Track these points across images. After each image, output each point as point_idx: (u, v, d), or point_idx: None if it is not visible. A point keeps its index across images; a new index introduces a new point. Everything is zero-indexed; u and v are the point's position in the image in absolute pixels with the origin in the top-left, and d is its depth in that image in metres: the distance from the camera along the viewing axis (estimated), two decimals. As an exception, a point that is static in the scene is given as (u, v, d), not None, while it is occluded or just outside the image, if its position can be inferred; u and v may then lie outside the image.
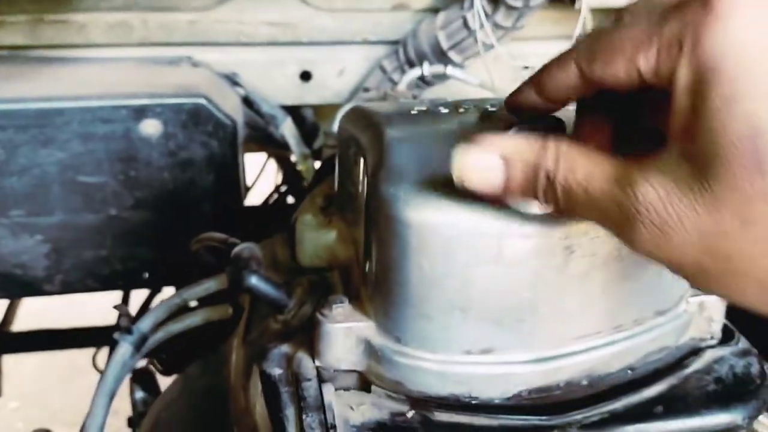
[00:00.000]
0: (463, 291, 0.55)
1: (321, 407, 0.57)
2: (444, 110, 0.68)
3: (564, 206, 0.46)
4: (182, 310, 0.99)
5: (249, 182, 1.51)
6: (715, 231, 0.38)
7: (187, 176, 1.05)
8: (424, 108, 0.68)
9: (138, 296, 1.29)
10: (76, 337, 1.62)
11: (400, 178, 0.56)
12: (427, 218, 0.54)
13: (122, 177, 1.05)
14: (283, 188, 1.37)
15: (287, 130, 1.17)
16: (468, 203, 0.54)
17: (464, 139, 0.50)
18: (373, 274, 0.59)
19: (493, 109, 0.68)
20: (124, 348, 0.86)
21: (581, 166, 0.44)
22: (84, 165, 1.03)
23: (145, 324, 0.88)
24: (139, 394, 1.01)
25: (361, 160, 0.63)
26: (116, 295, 1.42)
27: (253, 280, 0.66)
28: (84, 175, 1.04)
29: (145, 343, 0.89)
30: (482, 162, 0.48)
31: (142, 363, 1.08)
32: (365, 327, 0.59)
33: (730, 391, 0.62)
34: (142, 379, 1.02)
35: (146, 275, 1.12)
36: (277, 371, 0.61)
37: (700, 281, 0.42)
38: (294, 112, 1.25)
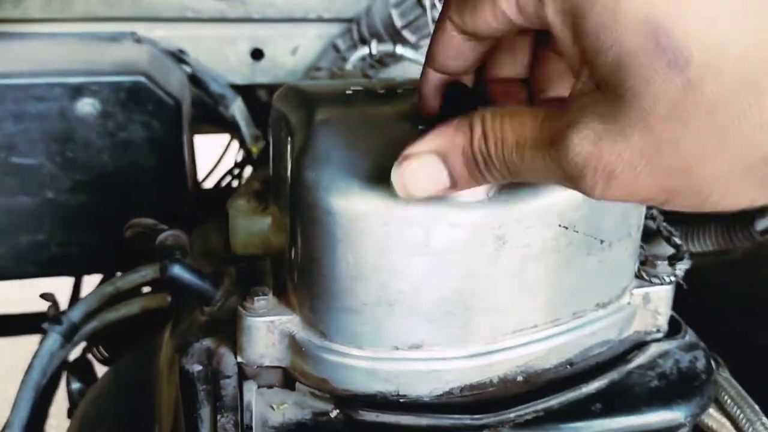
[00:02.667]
0: (391, 283, 0.52)
1: (238, 407, 0.53)
2: (381, 91, 0.64)
3: (513, 177, 0.43)
4: (122, 298, 0.95)
5: (211, 164, 1.47)
6: (659, 147, 0.35)
7: (127, 158, 1.01)
8: (360, 88, 0.65)
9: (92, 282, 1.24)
10: (21, 324, 1.56)
11: (325, 162, 0.52)
12: (351, 206, 0.50)
13: (59, 158, 1.00)
14: (237, 171, 1.33)
15: (237, 110, 1.13)
16: (394, 191, 0.50)
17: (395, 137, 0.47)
18: (297, 265, 0.55)
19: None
20: (52, 338, 0.82)
21: (509, 136, 0.41)
22: (18, 145, 0.98)
23: (75, 313, 0.84)
24: (76, 385, 0.97)
25: (290, 142, 0.59)
26: (70, 281, 1.38)
27: (176, 270, 0.62)
28: (18, 157, 0.99)
29: (77, 333, 0.85)
30: (421, 167, 0.45)
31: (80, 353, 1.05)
32: (289, 321, 0.56)
33: (673, 388, 0.59)
34: (79, 369, 0.98)
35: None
36: (196, 368, 0.57)
37: (678, 205, 0.38)
38: (247, 92, 1.21)
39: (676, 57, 0.33)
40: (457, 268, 0.51)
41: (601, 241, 0.56)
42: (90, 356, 1.04)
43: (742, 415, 0.69)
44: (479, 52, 0.46)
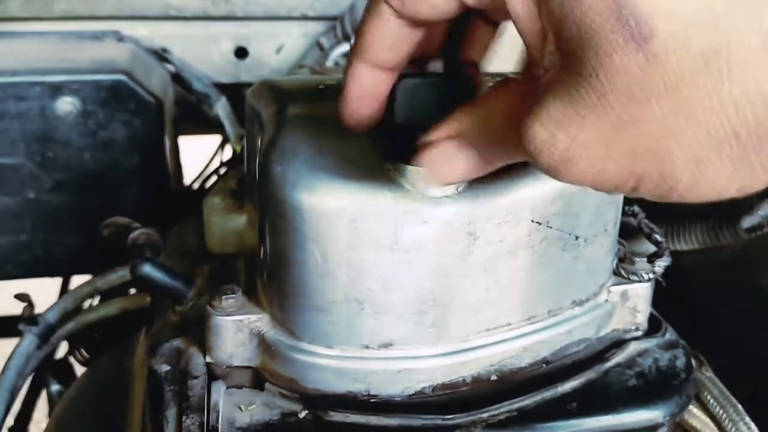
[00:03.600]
0: (359, 281, 0.51)
1: (205, 407, 0.52)
2: (355, 86, 0.63)
3: (512, 159, 0.41)
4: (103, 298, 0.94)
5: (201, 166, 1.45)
6: (619, 129, 0.33)
7: (108, 157, 0.99)
8: (333, 83, 0.64)
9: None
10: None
11: (292, 157, 0.51)
12: (318, 202, 0.49)
13: (39, 158, 0.99)
14: (223, 171, 1.31)
15: (221, 109, 1.12)
16: (363, 186, 0.49)
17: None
18: (266, 263, 0.54)
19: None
20: (28, 340, 0.80)
21: (500, 116, 0.39)
22: (-3, 145, 0.97)
23: (51, 314, 0.83)
24: (55, 387, 0.96)
25: (260, 138, 0.58)
26: (55, 284, 1.36)
27: (146, 269, 0.61)
28: (-2, 156, 0.98)
29: (54, 334, 0.84)
30: (440, 155, 0.43)
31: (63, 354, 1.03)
32: (258, 320, 0.55)
33: (651, 387, 0.58)
34: (58, 371, 0.97)
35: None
36: (164, 368, 0.56)
37: (648, 192, 0.35)
38: (232, 91, 1.20)
39: (639, 29, 0.30)
40: (427, 265, 0.50)
41: (576, 237, 0.55)
42: (71, 358, 1.03)
43: (725, 415, 0.68)
44: (416, 42, 0.43)
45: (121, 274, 0.87)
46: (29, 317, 0.80)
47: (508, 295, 0.54)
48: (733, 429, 0.67)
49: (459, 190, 0.49)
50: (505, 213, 0.51)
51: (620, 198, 0.58)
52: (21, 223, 1.02)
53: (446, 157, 0.42)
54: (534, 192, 0.52)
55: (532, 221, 0.52)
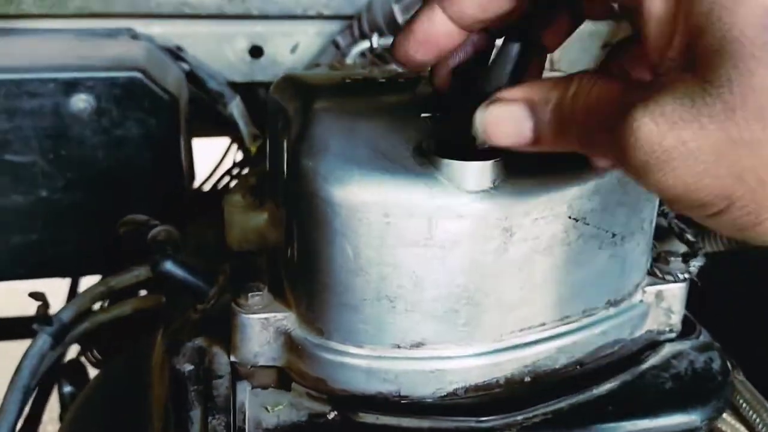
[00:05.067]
0: (391, 278, 0.49)
1: (230, 408, 0.50)
2: (381, 80, 0.61)
3: (583, 147, 0.40)
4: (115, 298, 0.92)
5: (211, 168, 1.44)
6: (736, 146, 0.31)
7: (122, 156, 0.98)
8: (359, 77, 0.62)
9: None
10: (11, 328, 1.53)
11: (323, 150, 0.50)
12: (350, 196, 0.48)
13: (52, 156, 0.97)
14: (236, 171, 1.30)
15: (236, 108, 1.10)
16: (397, 179, 0.48)
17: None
18: (293, 260, 0.53)
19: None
20: (42, 339, 0.79)
21: (594, 101, 0.38)
22: (10, 143, 0.95)
23: (65, 313, 0.81)
24: (68, 389, 0.94)
25: (286, 133, 0.56)
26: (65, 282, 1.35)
27: (167, 265, 0.59)
28: (10, 154, 0.96)
29: (68, 334, 0.82)
30: (508, 114, 0.42)
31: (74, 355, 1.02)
32: (285, 318, 0.53)
33: (688, 390, 0.57)
34: (70, 372, 0.95)
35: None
36: (187, 367, 0.55)
37: (728, 220, 0.34)
38: (246, 90, 1.18)
39: None
40: (461, 261, 0.49)
41: (613, 235, 0.53)
42: (83, 359, 1.01)
43: (759, 420, 0.66)
44: (502, 11, 0.42)
45: (136, 273, 0.85)
46: (43, 316, 0.79)
47: (543, 294, 0.52)
48: (768, 434, 0.66)
49: (495, 184, 0.48)
50: (543, 208, 0.49)
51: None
52: (33, 223, 1.01)
53: (514, 118, 0.41)
54: (572, 187, 0.50)
55: (569, 217, 0.50)
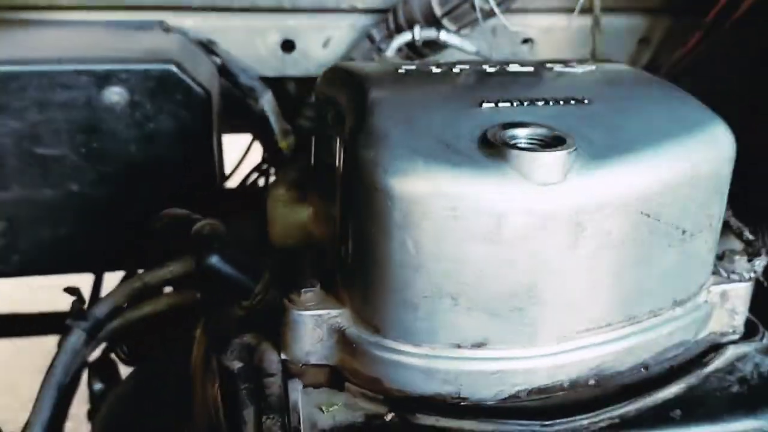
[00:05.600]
0: (454, 274, 0.47)
1: (284, 408, 0.48)
2: (436, 70, 0.59)
3: None
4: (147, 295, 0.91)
5: (233, 164, 1.42)
6: None
7: (155, 149, 0.96)
8: (413, 67, 0.60)
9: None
10: (46, 323, 1.53)
11: (382, 142, 0.48)
12: (412, 188, 0.46)
13: (84, 149, 0.96)
14: (264, 167, 1.28)
15: (267, 103, 1.08)
16: (463, 171, 0.46)
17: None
18: (349, 255, 0.51)
19: (492, 69, 0.60)
20: (77, 335, 0.77)
21: None
22: (42, 135, 0.94)
23: (100, 309, 0.79)
24: (98, 386, 0.92)
25: (339, 125, 0.54)
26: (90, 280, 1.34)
27: (214, 260, 0.58)
28: (42, 147, 0.95)
29: (102, 330, 0.81)
30: None
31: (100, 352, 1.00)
32: (339, 315, 0.51)
33: (756, 393, 0.54)
34: (101, 369, 0.94)
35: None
36: (236, 365, 0.53)
37: None
38: (276, 85, 1.16)
39: None
40: (529, 258, 0.47)
41: (683, 231, 0.51)
42: (113, 356, 1.00)
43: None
44: None
45: (171, 269, 0.84)
46: (78, 312, 0.77)
47: (610, 293, 0.50)
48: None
49: (566, 176, 0.46)
50: (614, 203, 0.47)
51: (726, 191, 0.54)
52: (63, 217, 0.99)
53: None
54: (644, 180, 0.48)
55: (641, 213, 0.48)
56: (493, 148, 0.46)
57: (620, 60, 1.24)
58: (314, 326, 0.51)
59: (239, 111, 1.13)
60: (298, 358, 0.52)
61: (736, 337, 0.59)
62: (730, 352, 0.57)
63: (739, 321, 0.59)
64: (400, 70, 0.59)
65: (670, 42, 1.21)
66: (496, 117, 0.50)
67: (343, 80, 0.57)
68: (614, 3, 1.18)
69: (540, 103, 0.52)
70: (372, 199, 0.47)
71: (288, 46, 1.14)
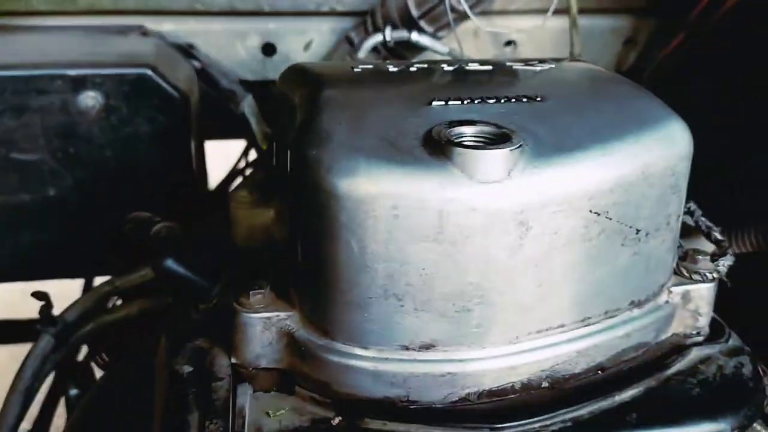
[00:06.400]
0: (399, 275, 0.46)
1: (229, 411, 0.48)
2: (392, 69, 0.59)
3: None
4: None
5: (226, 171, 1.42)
6: None
7: (132, 154, 0.96)
8: (369, 66, 0.60)
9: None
10: (15, 331, 1.51)
11: (326, 140, 0.47)
12: (354, 188, 0.45)
13: (61, 154, 0.95)
14: (249, 172, 1.28)
15: (248, 107, 1.08)
16: (405, 170, 0.45)
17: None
18: (297, 256, 0.50)
19: (449, 68, 0.59)
20: (45, 340, 0.77)
21: None
22: (18, 140, 0.94)
23: (70, 314, 0.79)
24: (74, 392, 0.92)
25: (292, 123, 0.54)
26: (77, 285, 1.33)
27: (169, 263, 0.57)
28: (18, 152, 0.95)
29: (73, 335, 0.80)
30: None
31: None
32: (288, 317, 0.50)
33: (717, 397, 0.53)
34: (76, 375, 0.93)
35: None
36: (186, 369, 0.52)
37: None
38: (259, 89, 1.16)
39: None
40: (474, 257, 0.46)
41: (637, 231, 0.50)
42: (92, 363, 1.00)
43: (791, 430, 0.63)
44: None
45: (142, 273, 0.83)
46: (47, 317, 0.77)
47: (561, 293, 0.49)
48: (802, 445, 0.62)
49: (510, 173, 0.45)
50: (561, 201, 0.46)
51: (683, 189, 0.53)
52: (41, 222, 0.99)
53: None
54: (592, 178, 0.47)
55: (590, 211, 0.47)
56: (437, 146, 0.45)
57: (605, 61, 1.23)
58: (263, 329, 0.50)
59: (220, 115, 1.12)
60: (248, 362, 0.51)
61: (700, 338, 0.58)
62: (693, 354, 0.56)
63: (703, 322, 0.57)
64: (355, 69, 0.58)
65: (656, 43, 1.21)
66: (444, 115, 0.49)
67: (298, 79, 0.57)
68: (599, 4, 1.17)
69: (491, 101, 0.51)
70: (316, 199, 0.46)
71: (269, 49, 1.13)
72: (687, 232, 0.68)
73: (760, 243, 0.83)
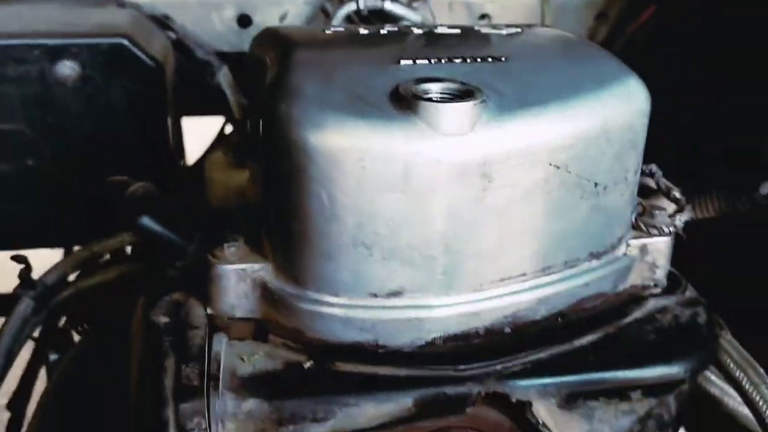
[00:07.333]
0: (367, 224, 0.48)
1: (205, 357, 0.50)
2: (363, 32, 0.60)
3: None
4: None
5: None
6: None
7: (108, 123, 0.97)
8: (341, 29, 0.61)
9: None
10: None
11: (296, 95, 0.49)
12: (323, 140, 0.47)
13: (39, 124, 0.96)
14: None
15: (223, 78, 1.09)
16: (372, 123, 0.47)
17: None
18: (270, 209, 0.52)
19: (419, 31, 0.61)
20: (25, 303, 0.78)
21: None
22: (-4, 110, 0.94)
23: (49, 277, 0.80)
24: (54, 357, 0.93)
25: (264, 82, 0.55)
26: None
27: (145, 221, 0.59)
28: (-3, 121, 0.95)
29: (52, 299, 0.82)
30: None
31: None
32: (262, 269, 0.52)
33: (672, 342, 0.56)
34: (57, 341, 0.95)
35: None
36: (162, 320, 0.54)
37: None
38: (235, 60, 1.17)
39: None
40: (438, 207, 0.48)
41: (596, 184, 0.52)
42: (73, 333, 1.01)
43: (746, 379, 0.66)
44: None
45: (120, 238, 0.85)
46: (26, 280, 0.78)
47: (523, 243, 0.51)
48: (755, 393, 0.65)
49: (474, 127, 0.47)
50: (523, 154, 0.48)
51: (641, 144, 0.55)
52: (20, 192, 1.00)
53: None
54: (552, 133, 0.49)
55: (550, 164, 0.49)
56: (404, 100, 0.47)
57: (576, 35, 1.25)
58: (238, 280, 0.52)
59: (196, 87, 1.13)
60: (224, 312, 0.53)
61: (658, 290, 0.60)
62: (651, 304, 0.59)
63: (661, 275, 0.60)
64: (327, 32, 0.60)
65: (627, 18, 1.23)
66: (412, 73, 0.51)
67: (271, 42, 0.58)
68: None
69: (458, 61, 0.53)
70: (286, 152, 0.48)
71: (244, 20, 1.14)
72: (648, 193, 0.70)
73: (722, 208, 0.85)
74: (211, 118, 1.44)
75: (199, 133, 1.44)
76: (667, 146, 0.70)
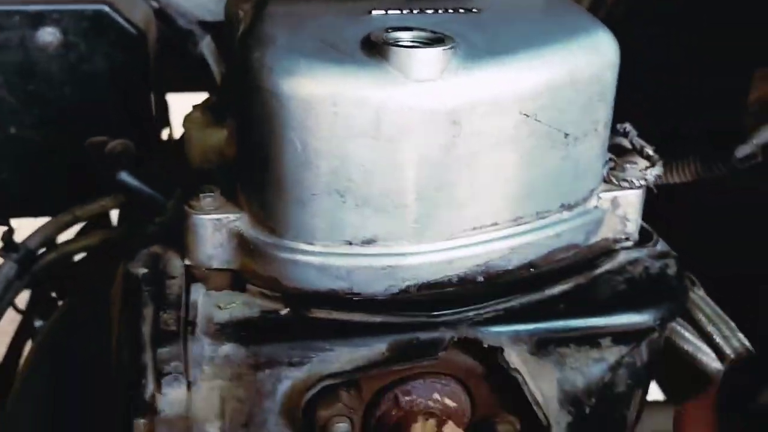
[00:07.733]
0: (340, 171, 0.49)
1: (182, 305, 0.50)
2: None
3: None
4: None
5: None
6: None
7: (90, 90, 0.97)
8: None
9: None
10: None
11: (268, 43, 0.49)
12: (295, 87, 0.47)
13: (21, 92, 0.96)
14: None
15: (206, 48, 1.09)
16: (344, 70, 0.48)
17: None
18: (245, 159, 0.53)
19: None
20: (8, 266, 0.79)
21: None
22: (-22, 78, 0.94)
23: (32, 241, 0.81)
24: (39, 323, 0.94)
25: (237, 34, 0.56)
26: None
27: (123, 176, 0.59)
28: (-22, 89, 0.95)
29: (35, 263, 0.82)
30: None
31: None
32: (237, 219, 0.53)
33: (642, 292, 0.57)
34: (41, 307, 0.95)
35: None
36: (141, 271, 0.55)
37: None
38: (218, 30, 1.17)
39: None
40: (410, 154, 0.49)
41: (566, 135, 0.53)
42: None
43: (717, 333, 0.67)
44: None
45: (102, 203, 0.85)
46: (9, 243, 0.78)
47: (494, 193, 0.52)
48: (726, 346, 0.66)
49: (443, 74, 0.48)
50: (491, 102, 0.49)
51: (611, 97, 0.56)
52: (3, 161, 1.00)
53: None
54: (521, 81, 0.50)
55: (519, 113, 0.50)
56: (375, 47, 0.48)
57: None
58: (214, 230, 0.53)
59: (178, 55, 1.13)
60: (201, 263, 0.54)
61: (629, 243, 0.61)
62: (622, 256, 0.60)
63: (632, 228, 0.61)
64: (302, -12, 0.60)
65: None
66: (383, 23, 0.51)
67: (246, -3, 0.59)
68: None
69: (429, 12, 0.54)
70: (260, 99, 0.49)
71: (227, -10, 1.13)
72: (622, 152, 0.71)
73: (699, 171, 0.86)
74: (198, 95, 1.44)
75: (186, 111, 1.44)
76: (649, 128, 0.71)
